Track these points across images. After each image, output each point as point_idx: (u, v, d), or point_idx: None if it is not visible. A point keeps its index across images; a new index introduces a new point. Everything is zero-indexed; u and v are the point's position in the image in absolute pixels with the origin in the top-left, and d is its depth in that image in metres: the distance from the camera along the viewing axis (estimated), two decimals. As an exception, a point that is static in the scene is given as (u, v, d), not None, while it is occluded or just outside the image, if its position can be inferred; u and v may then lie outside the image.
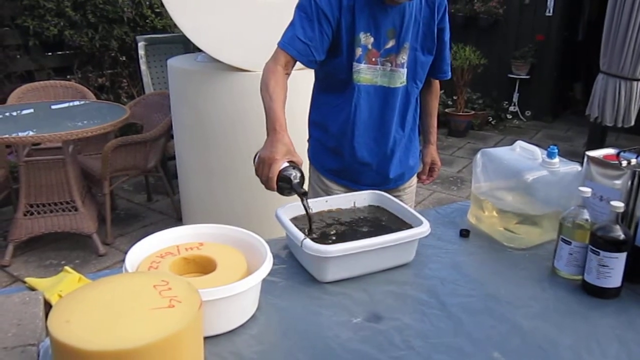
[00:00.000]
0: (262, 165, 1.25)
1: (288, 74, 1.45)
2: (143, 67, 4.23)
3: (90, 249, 3.08)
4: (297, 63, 1.47)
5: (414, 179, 1.82)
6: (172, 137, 3.19)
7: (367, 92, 1.54)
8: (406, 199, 1.79)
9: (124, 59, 4.54)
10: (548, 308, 1.10)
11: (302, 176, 1.24)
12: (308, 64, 1.47)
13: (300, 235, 1.14)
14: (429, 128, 1.83)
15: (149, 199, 3.88)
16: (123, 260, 1.00)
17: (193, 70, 2.75)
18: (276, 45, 1.45)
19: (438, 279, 1.20)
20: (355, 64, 1.50)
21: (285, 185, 1.23)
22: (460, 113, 5.72)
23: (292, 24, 1.45)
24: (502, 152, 1.42)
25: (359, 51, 1.49)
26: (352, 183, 1.66)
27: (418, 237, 1.21)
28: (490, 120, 6.05)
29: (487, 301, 1.12)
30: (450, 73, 1.72)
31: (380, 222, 1.31)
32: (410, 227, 1.25)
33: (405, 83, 1.56)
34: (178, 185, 3.28)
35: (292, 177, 1.22)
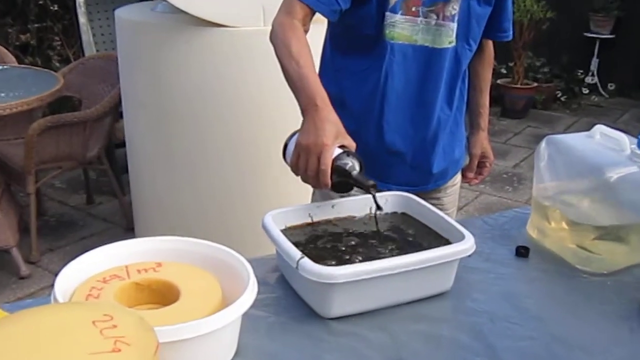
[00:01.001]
0: (305, 156, 1.24)
1: (307, 31, 1.46)
2: (82, 19, 4.22)
3: (9, 269, 3.09)
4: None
5: (458, 177, 1.83)
6: (121, 116, 3.19)
7: (404, 53, 1.55)
8: (447, 204, 1.79)
9: (56, 8, 4.54)
10: (637, 356, 1.10)
11: (362, 164, 1.25)
12: (329, 15, 1.48)
13: (295, 253, 1.14)
14: (478, 108, 1.84)
15: (89, 201, 3.88)
16: (52, 286, 1.00)
17: (150, 24, 2.75)
18: None
19: (486, 315, 1.19)
20: (388, 14, 1.51)
21: (342, 180, 1.24)
22: (518, 85, 5.72)
23: None
24: (575, 141, 1.41)
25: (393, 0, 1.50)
26: (378, 181, 1.64)
27: (458, 256, 1.21)
28: (559, 95, 6.05)
29: (553, 346, 1.11)
30: (512, 32, 1.72)
31: (407, 235, 1.30)
32: (448, 242, 1.25)
33: (454, 43, 1.57)
34: (129, 182, 3.29)
35: (348, 168, 1.23)
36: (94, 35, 4.22)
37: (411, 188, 1.56)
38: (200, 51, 2.65)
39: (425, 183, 1.71)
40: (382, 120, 1.60)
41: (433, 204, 1.67)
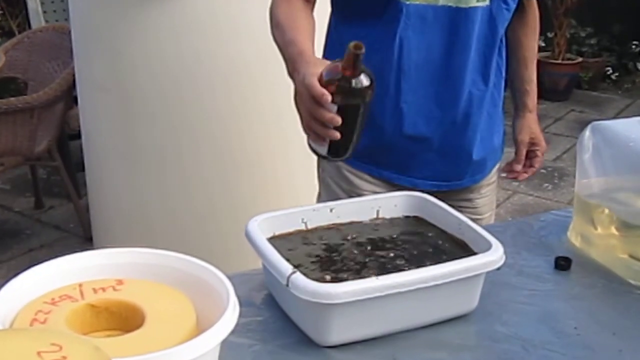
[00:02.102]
0: (301, 98, 1.34)
1: (309, 2, 1.54)
2: (28, -16, 4.23)
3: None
4: None
5: (495, 171, 1.83)
6: (75, 101, 3.18)
7: (422, 16, 1.55)
8: (481, 207, 1.80)
9: (-4, -30, 4.55)
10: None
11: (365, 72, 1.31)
12: None
13: (285, 267, 1.14)
14: (524, 85, 1.84)
15: (38, 204, 3.89)
16: (-11, 309, 1.00)
17: (110, -11, 2.75)
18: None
19: (518, 342, 1.19)
20: None
21: (346, 95, 1.30)
22: (560, 61, 5.72)
23: None
24: (626, 128, 1.41)
25: None
26: (398, 174, 1.68)
27: (485, 270, 1.21)
28: (609, 72, 6.05)
29: (601, 378, 1.12)
30: None
31: (422, 244, 1.31)
32: (472, 253, 1.25)
33: (487, 2, 1.56)
34: (86, 182, 3.28)
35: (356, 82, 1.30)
36: (42, 3, 4.22)
37: (442, 183, 1.59)
38: (173, 23, 2.65)
39: (459, 176, 1.70)
40: (399, 99, 1.60)
41: (465, 207, 1.73)
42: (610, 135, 1.41)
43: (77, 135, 3.33)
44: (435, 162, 1.67)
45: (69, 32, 3.04)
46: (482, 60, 1.63)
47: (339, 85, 1.29)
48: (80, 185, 3.60)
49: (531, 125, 1.84)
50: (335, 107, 1.29)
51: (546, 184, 4.26)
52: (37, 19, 4.20)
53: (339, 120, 1.29)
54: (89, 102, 2.99)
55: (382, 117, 1.62)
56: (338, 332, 1.15)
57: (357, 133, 1.36)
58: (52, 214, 3.83)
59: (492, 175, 1.81)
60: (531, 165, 1.84)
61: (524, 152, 1.83)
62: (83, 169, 3.28)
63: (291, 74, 1.42)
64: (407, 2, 1.53)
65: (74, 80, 3.14)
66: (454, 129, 1.65)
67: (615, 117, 5.17)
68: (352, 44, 1.27)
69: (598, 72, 5.98)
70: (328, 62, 1.36)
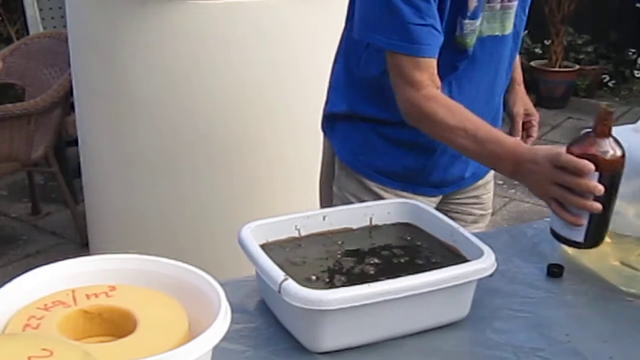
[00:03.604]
0: (551, 178, 1.28)
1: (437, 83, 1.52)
2: (27, -10, 4.23)
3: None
4: None
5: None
6: (72, 108, 3.18)
7: (473, 53, 1.59)
8: (488, 201, 1.87)
9: (-4, -24, 4.55)
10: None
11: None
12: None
13: (277, 273, 1.14)
14: (513, 82, 1.87)
15: (34, 210, 3.88)
16: (-18, 314, 1.00)
17: (107, -4, 2.75)
18: (388, 54, 1.50)
19: (510, 349, 1.19)
20: (468, 22, 1.53)
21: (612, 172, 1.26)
22: (557, 68, 5.71)
23: (388, 6, 1.46)
24: (620, 135, 1.37)
25: (473, 3, 1.51)
26: (434, 188, 1.75)
27: (476, 277, 1.21)
28: (605, 80, 6.04)
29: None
30: None
31: (414, 251, 1.31)
32: (464, 259, 1.25)
33: (513, 26, 1.63)
34: (82, 188, 3.28)
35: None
36: (40, 9, 4.22)
37: (443, 189, 1.67)
38: (169, 29, 2.65)
39: (460, 181, 1.77)
40: None
41: (473, 204, 1.82)
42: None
43: (75, 142, 3.32)
44: (461, 167, 1.74)
45: (67, 38, 3.04)
46: (508, 77, 1.72)
47: (597, 152, 1.25)
48: (78, 191, 3.59)
49: (522, 97, 1.88)
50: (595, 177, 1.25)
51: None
52: (35, 26, 4.19)
53: (601, 188, 1.24)
54: (86, 109, 2.99)
55: (429, 145, 1.65)
56: (330, 338, 1.15)
57: (614, 207, 1.30)
58: (49, 220, 3.82)
59: (491, 172, 1.86)
60: (529, 135, 1.86)
61: (520, 124, 1.85)
62: (79, 175, 3.28)
63: (510, 169, 1.38)
64: (470, 48, 1.56)
65: (70, 87, 3.14)
66: None
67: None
68: (603, 105, 1.27)
69: (595, 80, 5.97)
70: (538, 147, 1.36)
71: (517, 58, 1.87)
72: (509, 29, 1.62)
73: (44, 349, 0.82)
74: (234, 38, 2.61)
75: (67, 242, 3.60)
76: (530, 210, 4.04)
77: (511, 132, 1.85)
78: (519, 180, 1.39)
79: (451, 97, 1.58)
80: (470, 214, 1.85)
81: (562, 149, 1.28)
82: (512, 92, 1.87)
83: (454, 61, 1.58)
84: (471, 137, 1.43)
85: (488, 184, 1.87)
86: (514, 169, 1.37)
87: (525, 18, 1.67)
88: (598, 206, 1.25)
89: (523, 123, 1.86)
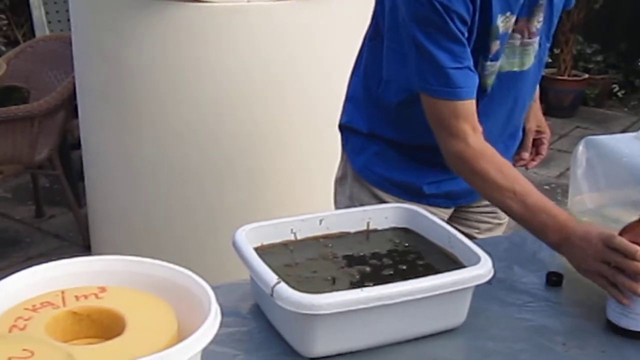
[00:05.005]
0: (601, 258, 1.27)
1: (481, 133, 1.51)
2: (33, -7, 4.25)
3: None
4: None
5: None
6: (77, 111, 3.18)
7: (491, 89, 1.58)
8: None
9: (2, -21, 4.57)
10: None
11: None
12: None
13: (269, 277, 1.14)
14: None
15: (38, 213, 3.88)
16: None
17: (112, -2, 2.76)
18: (425, 100, 1.49)
19: (507, 357, 1.19)
20: (489, 63, 1.52)
21: None
22: (566, 77, 5.70)
23: (421, 52, 1.45)
24: (620, 143, 1.42)
25: (495, 46, 1.50)
26: (429, 198, 1.72)
27: (473, 283, 1.20)
28: (615, 90, 6.03)
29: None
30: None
31: (410, 256, 1.31)
32: (461, 266, 1.25)
33: (535, 59, 1.62)
34: (85, 191, 3.29)
35: None
36: (47, 13, 4.23)
37: (459, 200, 1.67)
38: (173, 33, 2.65)
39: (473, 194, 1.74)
40: None
41: (489, 213, 1.80)
42: (604, 150, 1.41)
43: (78, 145, 3.32)
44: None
45: (70, 41, 3.05)
46: (529, 104, 1.72)
47: None
48: (82, 194, 3.59)
49: (537, 113, 1.86)
50: None
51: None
52: (41, 28, 4.21)
53: None
54: (89, 111, 2.99)
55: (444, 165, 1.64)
56: (322, 343, 1.15)
57: None
58: (52, 223, 3.81)
59: None
60: (538, 153, 1.85)
61: (530, 140, 1.83)
62: (83, 179, 3.28)
63: (557, 241, 1.36)
64: (486, 87, 1.55)
65: (75, 90, 3.14)
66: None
67: (620, 133, 5.15)
68: None
69: (604, 89, 5.95)
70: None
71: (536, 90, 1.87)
72: (529, 64, 1.60)
73: (25, 350, 0.81)
74: (239, 40, 2.61)
75: (70, 245, 3.59)
76: (536, 219, 4.00)
77: (521, 147, 1.83)
78: (564, 254, 1.36)
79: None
80: (486, 222, 1.83)
81: (615, 232, 1.27)
82: None
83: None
84: (520, 201, 1.41)
85: None
86: (562, 242, 1.35)
87: (549, 45, 1.66)
88: None
89: (533, 140, 1.84)
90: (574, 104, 5.72)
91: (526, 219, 1.41)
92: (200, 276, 1.11)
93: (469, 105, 1.48)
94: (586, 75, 5.78)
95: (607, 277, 1.26)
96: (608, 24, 5.89)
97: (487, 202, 1.79)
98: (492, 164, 1.46)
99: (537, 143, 1.85)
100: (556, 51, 5.74)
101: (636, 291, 1.23)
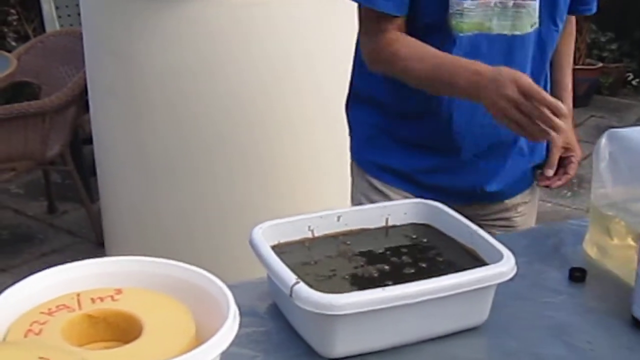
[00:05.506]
0: (513, 105, 1.34)
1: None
2: (43, -12, 4.25)
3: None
4: None
5: (535, 191, 1.83)
6: (87, 105, 3.18)
7: (476, 47, 1.55)
8: (518, 224, 1.79)
9: (12, -26, 4.58)
10: None
11: None
12: (397, 10, 1.54)
13: (288, 276, 1.13)
14: (559, 90, 1.80)
15: (50, 209, 3.90)
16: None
17: (122, -8, 2.74)
18: (356, 8, 1.55)
19: (530, 356, 1.18)
20: (455, 1, 1.51)
21: None
22: (580, 66, 5.67)
23: None
24: (635, 135, 1.40)
25: None
26: (422, 190, 1.67)
27: (496, 281, 1.19)
28: (629, 78, 6.02)
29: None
30: (596, 5, 1.74)
31: (431, 254, 1.30)
32: (483, 263, 1.23)
33: (537, 25, 1.58)
34: (98, 186, 3.28)
35: None
36: (57, 7, 4.24)
37: (466, 202, 1.62)
38: (185, 28, 2.65)
39: (488, 197, 1.72)
40: (450, 130, 1.62)
41: (501, 226, 1.76)
42: (627, 143, 1.39)
43: (90, 140, 3.33)
44: (476, 178, 1.69)
45: (81, 36, 3.05)
46: (540, 81, 1.65)
47: None
48: (94, 190, 3.60)
49: (566, 130, 1.74)
50: None
51: (565, 191, 4.22)
52: (51, 23, 4.22)
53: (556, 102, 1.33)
54: (100, 107, 3.00)
55: (432, 145, 1.65)
56: (343, 344, 1.14)
57: None
58: (65, 219, 3.83)
59: (528, 194, 1.80)
60: (566, 172, 1.76)
61: (556, 156, 1.75)
62: (95, 174, 3.29)
63: (465, 87, 1.44)
64: (461, 34, 1.53)
65: (86, 86, 3.15)
66: (505, 152, 1.68)
67: (635, 124, 5.12)
68: None
69: (618, 78, 5.94)
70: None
71: (568, 86, 1.81)
72: (526, 29, 1.57)
73: (40, 357, 0.80)
74: (252, 35, 2.61)
75: (83, 241, 3.61)
76: (552, 211, 4.01)
77: (545, 164, 1.76)
78: (474, 99, 1.44)
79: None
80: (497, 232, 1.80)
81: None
82: None
83: (447, 45, 1.54)
84: (429, 63, 1.48)
85: (520, 206, 1.78)
86: (471, 86, 1.41)
87: (556, 30, 1.62)
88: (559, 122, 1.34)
89: (561, 158, 1.76)
90: (588, 92, 5.72)
91: (435, 74, 1.46)
92: (213, 272, 1.10)
93: (394, 20, 1.53)
94: (600, 64, 5.78)
95: (517, 121, 1.36)
96: (622, 12, 5.88)
97: (500, 214, 1.77)
98: (402, 42, 1.52)
99: (564, 162, 1.76)
100: (570, 40, 5.73)
101: (553, 129, 1.34)
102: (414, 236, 1.35)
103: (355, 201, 1.76)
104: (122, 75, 2.81)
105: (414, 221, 1.38)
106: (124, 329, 1.03)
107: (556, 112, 1.33)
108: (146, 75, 2.74)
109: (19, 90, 4.11)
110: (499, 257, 1.20)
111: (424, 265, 1.26)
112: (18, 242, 3.60)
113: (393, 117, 1.68)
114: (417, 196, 1.63)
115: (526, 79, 1.33)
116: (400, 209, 1.39)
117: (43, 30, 4.38)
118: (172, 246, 2.71)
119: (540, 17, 1.58)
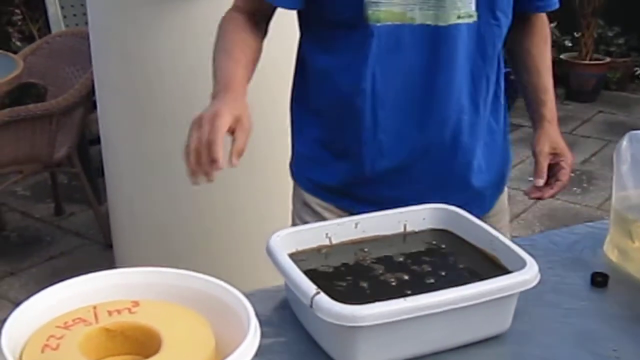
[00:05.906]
0: (198, 124, 1.38)
1: (258, 25, 1.64)
2: (49, -12, 4.24)
3: (-42, 297, 3.11)
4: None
5: (502, 203, 1.75)
6: (94, 107, 3.18)
7: (397, 38, 1.47)
8: None
9: (17, -26, 4.57)
10: None
11: None
12: (285, 4, 1.56)
13: (308, 287, 1.11)
14: (538, 94, 1.71)
15: (58, 211, 3.90)
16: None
17: (129, -7, 2.73)
18: None
19: (554, 364, 1.16)
20: None
21: None
22: (587, 61, 5.67)
23: None
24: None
25: None
26: (354, 203, 1.60)
27: (519, 289, 1.18)
28: (637, 73, 5.99)
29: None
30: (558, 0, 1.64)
31: (451, 261, 1.29)
32: (505, 270, 1.22)
33: (474, 18, 1.48)
34: (106, 187, 3.27)
35: None
36: (62, 7, 4.23)
37: None
38: (192, 27, 2.63)
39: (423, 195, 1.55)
40: (377, 129, 1.53)
41: None
42: (649, 144, 1.37)
43: (99, 140, 3.32)
44: (425, 193, 1.49)
45: (88, 36, 3.04)
46: (471, 83, 1.54)
47: None
48: (101, 191, 3.60)
49: (551, 134, 1.68)
50: None
51: (575, 188, 4.20)
52: (57, 24, 4.21)
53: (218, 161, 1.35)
54: (108, 107, 2.99)
55: (360, 150, 1.56)
56: (364, 355, 1.12)
57: None
58: (72, 221, 3.83)
59: (495, 212, 1.72)
60: (558, 180, 1.65)
61: (544, 164, 1.65)
62: (103, 175, 3.28)
63: (214, 94, 1.51)
64: (378, 24, 1.45)
65: (93, 86, 3.14)
66: (441, 157, 1.56)
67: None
68: None
69: (626, 73, 5.93)
70: (245, 109, 1.50)
71: (549, 90, 1.71)
72: (451, 20, 1.46)
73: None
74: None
75: (91, 242, 3.60)
76: (562, 208, 3.99)
77: (534, 174, 1.66)
78: None
79: (374, 80, 1.49)
80: None
81: (230, 113, 1.43)
82: (539, 130, 1.68)
83: (364, 37, 1.46)
84: (218, 61, 1.57)
85: (490, 218, 1.66)
86: (215, 97, 1.48)
87: (498, 25, 1.51)
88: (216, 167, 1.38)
89: (551, 165, 1.65)
90: (596, 88, 5.72)
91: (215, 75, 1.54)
92: (226, 278, 1.09)
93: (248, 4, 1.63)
94: (608, 59, 5.78)
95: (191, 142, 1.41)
96: (629, 6, 5.86)
97: None
98: (233, 29, 1.61)
99: (555, 169, 1.65)
100: (577, 35, 5.71)
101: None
102: (433, 242, 1.34)
103: (293, 222, 1.70)
104: (129, 75, 2.80)
105: (433, 227, 1.37)
106: (142, 343, 1.03)
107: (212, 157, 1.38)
108: (154, 75, 2.73)
109: (25, 92, 4.10)
110: (521, 264, 1.19)
111: (443, 273, 1.24)
112: (26, 244, 3.60)
113: (325, 129, 1.65)
114: (347, 211, 1.59)
115: (218, 122, 1.39)
116: (418, 215, 1.37)
117: (48, 30, 4.38)
118: (182, 248, 2.70)
119: (478, 10, 1.47)
